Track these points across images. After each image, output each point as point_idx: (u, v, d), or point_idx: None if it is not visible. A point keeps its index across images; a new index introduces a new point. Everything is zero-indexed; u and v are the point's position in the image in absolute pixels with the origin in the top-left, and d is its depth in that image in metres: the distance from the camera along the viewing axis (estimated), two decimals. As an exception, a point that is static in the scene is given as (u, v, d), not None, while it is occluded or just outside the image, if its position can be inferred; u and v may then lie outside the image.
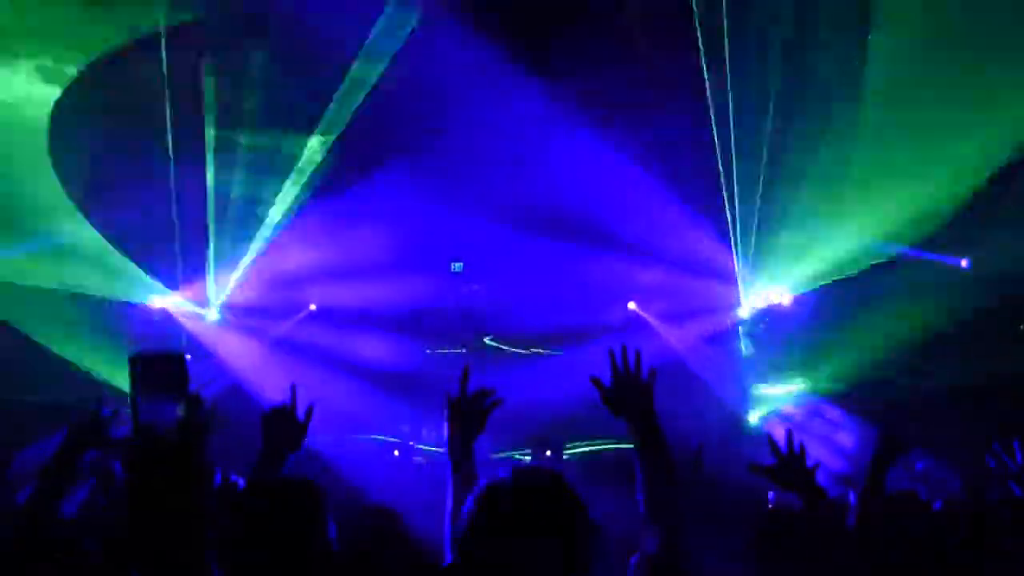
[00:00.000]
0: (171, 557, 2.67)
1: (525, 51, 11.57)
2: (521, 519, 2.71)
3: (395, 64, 11.41)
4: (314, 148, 12.18)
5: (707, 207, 12.35)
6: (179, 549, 2.65)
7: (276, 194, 12.44)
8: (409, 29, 11.24)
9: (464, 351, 13.41)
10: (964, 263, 11.60)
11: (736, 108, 11.44)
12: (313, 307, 13.13)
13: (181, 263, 12.25)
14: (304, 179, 12.37)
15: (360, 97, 11.60)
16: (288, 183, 12.39)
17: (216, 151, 11.86)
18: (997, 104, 10.20)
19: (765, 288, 12.50)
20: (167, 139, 11.33)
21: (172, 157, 11.57)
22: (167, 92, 10.97)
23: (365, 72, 11.49)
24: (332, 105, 11.69)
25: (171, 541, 2.65)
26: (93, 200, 11.71)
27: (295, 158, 12.28)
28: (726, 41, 11.37)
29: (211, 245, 12.31)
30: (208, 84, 11.25)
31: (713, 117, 11.68)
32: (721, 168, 11.93)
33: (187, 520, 2.68)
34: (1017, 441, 4.62)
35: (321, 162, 12.27)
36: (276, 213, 12.53)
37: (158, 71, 10.94)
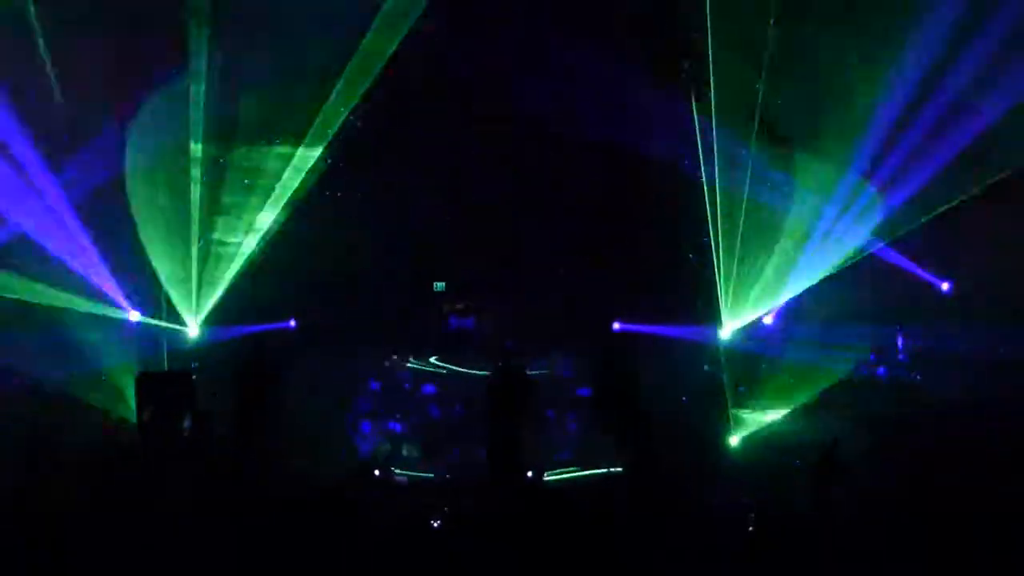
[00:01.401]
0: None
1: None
2: None
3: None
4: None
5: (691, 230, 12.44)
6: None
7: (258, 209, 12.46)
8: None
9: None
10: (945, 286, 11.65)
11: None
12: (293, 322, 13.10)
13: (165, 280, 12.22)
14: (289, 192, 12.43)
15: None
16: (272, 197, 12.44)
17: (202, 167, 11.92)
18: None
19: (746, 309, 12.50)
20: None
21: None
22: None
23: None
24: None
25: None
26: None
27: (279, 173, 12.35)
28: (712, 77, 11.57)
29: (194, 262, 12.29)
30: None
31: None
32: (705, 189, 12.04)
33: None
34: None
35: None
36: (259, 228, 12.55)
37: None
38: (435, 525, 8.60)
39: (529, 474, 11.97)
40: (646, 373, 11.23)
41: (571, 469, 11.81)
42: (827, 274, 11.93)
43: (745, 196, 11.95)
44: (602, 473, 10.86)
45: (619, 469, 8.94)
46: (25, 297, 11.08)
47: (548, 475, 11.96)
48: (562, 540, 5.37)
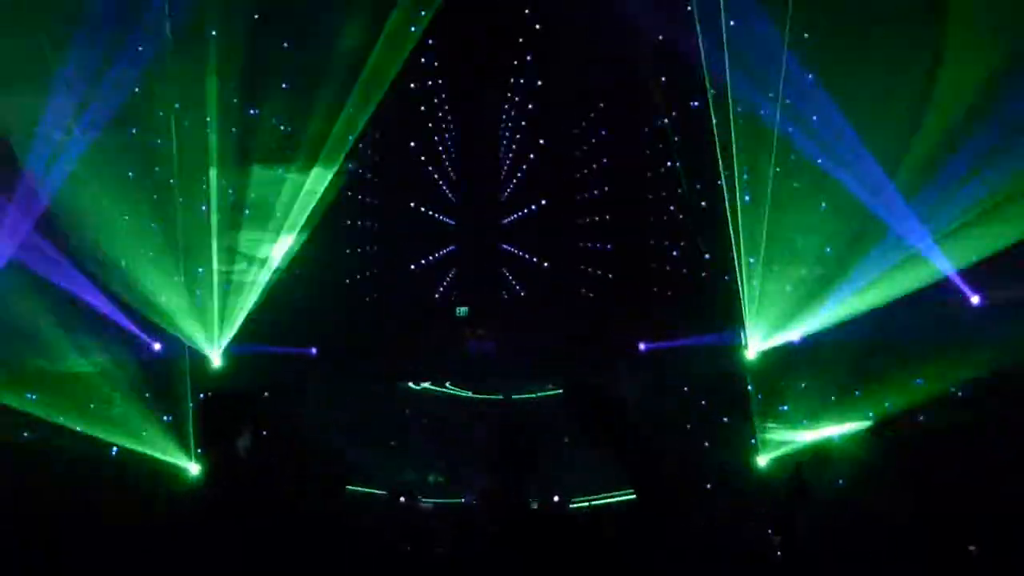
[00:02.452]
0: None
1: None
2: None
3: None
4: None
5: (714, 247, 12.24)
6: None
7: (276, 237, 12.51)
8: None
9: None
10: (976, 299, 10.91)
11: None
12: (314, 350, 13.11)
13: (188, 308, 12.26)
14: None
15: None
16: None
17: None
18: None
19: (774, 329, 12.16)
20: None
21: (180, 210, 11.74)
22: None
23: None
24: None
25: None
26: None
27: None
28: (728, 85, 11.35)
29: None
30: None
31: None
32: (728, 210, 11.79)
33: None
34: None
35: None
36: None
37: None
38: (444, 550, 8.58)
39: (555, 499, 11.85)
40: (666, 390, 11.03)
41: (592, 497, 11.65)
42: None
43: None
44: (621, 500, 10.67)
45: (634, 495, 8.79)
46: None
47: (572, 503, 11.83)
48: (575, 559, 5.28)
